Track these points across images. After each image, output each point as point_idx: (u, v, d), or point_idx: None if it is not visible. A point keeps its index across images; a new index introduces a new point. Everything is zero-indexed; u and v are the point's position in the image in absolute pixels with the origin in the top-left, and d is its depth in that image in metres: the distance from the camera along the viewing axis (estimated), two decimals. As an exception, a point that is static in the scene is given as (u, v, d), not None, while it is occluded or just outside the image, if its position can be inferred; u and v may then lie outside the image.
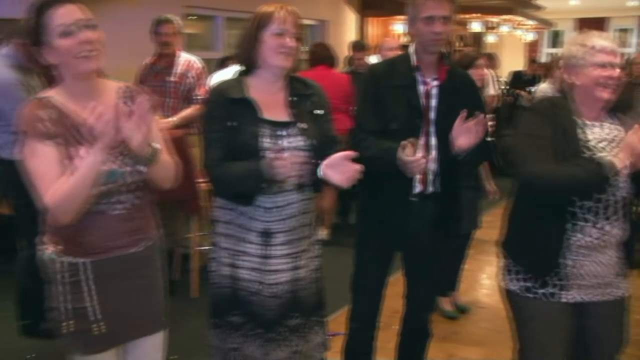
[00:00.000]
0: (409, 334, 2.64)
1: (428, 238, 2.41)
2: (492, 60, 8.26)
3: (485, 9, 9.64)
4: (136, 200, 1.81)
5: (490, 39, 11.93)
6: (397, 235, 2.41)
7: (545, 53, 13.76)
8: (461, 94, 2.38)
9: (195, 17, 6.76)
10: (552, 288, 2.04)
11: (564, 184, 1.90)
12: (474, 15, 9.68)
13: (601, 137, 1.99)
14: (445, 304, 3.75)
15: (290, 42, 1.99)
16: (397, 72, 2.36)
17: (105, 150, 1.62)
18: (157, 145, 1.77)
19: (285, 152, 1.97)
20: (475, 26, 10.34)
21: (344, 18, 9.03)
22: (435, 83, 2.35)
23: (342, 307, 3.20)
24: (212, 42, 6.98)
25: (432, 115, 2.34)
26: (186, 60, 4.06)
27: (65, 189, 1.62)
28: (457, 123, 2.17)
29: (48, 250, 1.79)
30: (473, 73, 3.39)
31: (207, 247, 4.13)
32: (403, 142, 2.12)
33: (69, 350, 1.84)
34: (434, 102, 2.35)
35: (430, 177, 2.36)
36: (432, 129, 2.34)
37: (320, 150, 2.04)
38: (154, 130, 1.82)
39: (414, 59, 2.36)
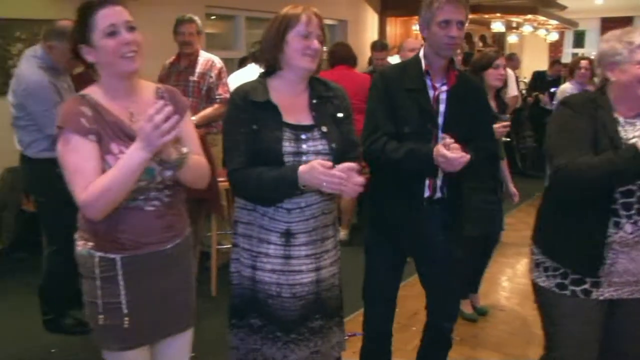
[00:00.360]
0: (430, 342, 2.62)
1: (439, 243, 2.39)
2: (513, 61, 8.21)
3: (507, 8, 9.57)
4: (168, 198, 1.84)
5: (512, 39, 11.85)
6: (408, 240, 2.40)
7: (568, 53, 13.58)
8: (469, 99, 2.37)
9: (216, 17, 6.81)
10: (587, 285, 2.01)
11: (602, 173, 1.84)
12: (496, 15, 9.61)
13: (639, 134, 1.93)
14: (465, 306, 3.73)
15: (315, 44, 1.99)
16: (408, 76, 2.35)
17: (154, 149, 1.63)
18: (185, 150, 1.79)
19: (306, 156, 1.98)
20: (497, 26, 10.26)
21: (364, 18, 9.01)
22: (444, 88, 2.34)
23: (361, 307, 3.20)
24: (233, 42, 7.02)
25: (440, 120, 2.33)
26: (207, 59, 4.09)
27: (104, 184, 1.65)
28: (437, 148, 2.13)
29: (83, 245, 1.82)
30: (491, 73, 3.38)
31: (226, 246, 4.19)
32: (444, 137, 2.12)
33: (102, 345, 1.87)
34: (442, 107, 2.33)
35: (439, 182, 2.35)
36: (439, 134, 2.31)
37: (341, 154, 2.03)
38: (188, 132, 1.84)
39: (423, 63, 2.34)
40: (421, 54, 2.36)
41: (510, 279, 4.44)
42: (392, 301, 2.55)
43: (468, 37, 10.97)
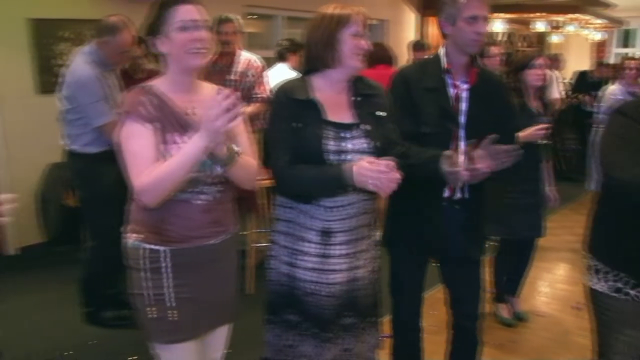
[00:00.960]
0: (458, 343, 2.59)
1: (458, 243, 2.36)
2: (555, 61, 8.02)
3: (551, 7, 9.35)
4: (218, 194, 1.88)
5: (555, 39, 11.59)
6: (428, 239, 2.37)
7: (614, 54, 13.21)
8: (492, 97, 2.32)
9: (255, 16, 6.85)
10: None
11: None
12: (538, 14, 9.41)
13: None
14: (502, 310, 3.67)
15: (365, 44, 2.00)
16: (428, 74, 2.32)
17: (214, 138, 1.67)
18: (236, 148, 1.83)
19: (349, 155, 1.98)
20: (540, 26, 10.05)
21: (404, 17, 8.96)
22: (465, 86, 2.30)
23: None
24: (272, 41, 7.05)
25: (462, 119, 2.29)
26: (246, 58, 4.11)
27: (163, 171, 1.70)
28: (484, 143, 2.10)
29: (131, 238, 1.87)
30: (530, 73, 3.31)
31: (263, 245, 4.20)
32: (446, 153, 2.09)
33: (151, 338, 1.90)
34: (463, 106, 2.29)
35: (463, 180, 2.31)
36: (462, 133, 2.28)
37: (382, 152, 2.02)
38: (241, 133, 1.88)
39: (444, 61, 2.30)
40: (442, 52, 2.33)
41: (550, 284, 4.35)
42: (417, 296, 2.53)
43: (509, 37, 10.81)
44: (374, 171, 1.84)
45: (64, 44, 4.89)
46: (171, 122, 1.79)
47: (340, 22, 1.99)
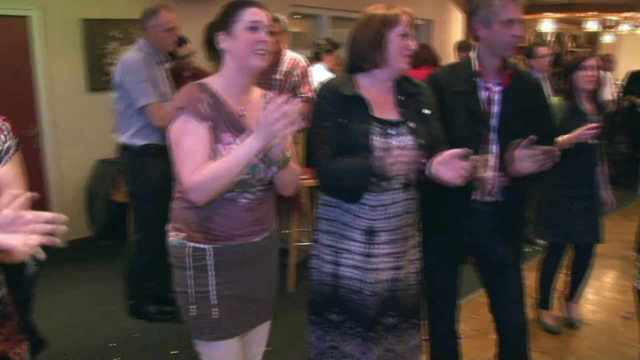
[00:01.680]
0: (504, 347, 2.54)
1: (491, 246, 2.31)
2: (607, 62, 7.79)
3: (604, 6, 9.06)
4: (260, 193, 1.89)
5: (607, 39, 11.26)
6: (458, 243, 2.34)
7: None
8: (526, 99, 2.27)
9: (300, 16, 6.88)
10: None
11: None
12: (590, 13, 9.15)
13: None
14: (547, 317, 3.58)
15: (412, 44, 2.00)
16: (458, 77, 2.29)
17: (268, 141, 1.68)
18: (288, 153, 1.85)
19: (395, 150, 1.97)
20: (591, 25, 9.77)
21: (450, 17, 8.86)
22: (497, 88, 2.26)
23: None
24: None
25: (494, 122, 2.24)
26: (291, 58, 4.12)
27: (215, 170, 1.71)
28: (524, 144, 2.06)
29: (176, 236, 1.89)
30: (581, 75, 3.21)
31: (305, 244, 4.22)
32: (472, 158, 2.04)
33: (195, 334, 1.93)
34: (496, 109, 2.25)
35: (489, 185, 2.26)
36: (493, 136, 2.24)
37: (427, 149, 2.02)
38: (287, 139, 1.88)
39: (476, 64, 2.27)
40: (473, 54, 2.29)
41: (597, 292, 4.22)
42: (451, 301, 2.50)
43: (558, 37, 10.56)
44: (401, 155, 1.87)
45: (114, 43, 5.02)
46: (225, 122, 1.80)
47: (387, 22, 1.98)
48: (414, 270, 2.19)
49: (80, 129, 4.92)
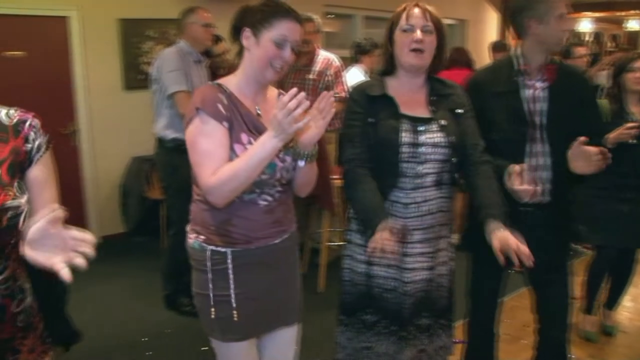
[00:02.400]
0: (543, 351, 2.50)
1: (540, 249, 2.26)
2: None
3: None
4: (278, 194, 1.87)
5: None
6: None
7: None
8: (574, 94, 2.22)
9: (333, 16, 6.87)
10: None
11: None
12: (632, 12, 8.92)
13: None
14: (588, 324, 3.48)
15: (416, 36, 1.96)
16: (499, 78, 2.25)
17: (285, 137, 1.65)
18: (316, 147, 1.82)
19: (423, 147, 1.97)
20: (632, 24, 9.53)
21: (485, 17, 8.75)
22: (543, 85, 2.21)
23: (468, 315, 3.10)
24: (350, 41, 7.04)
25: (543, 119, 2.20)
26: (325, 58, 4.12)
27: (233, 171, 1.68)
28: (575, 145, 2.03)
29: (195, 238, 1.88)
30: (630, 77, 3.12)
31: (336, 244, 4.21)
32: (510, 168, 2.01)
33: (211, 334, 1.93)
34: (543, 106, 2.20)
35: (540, 186, 2.21)
36: (542, 135, 2.20)
37: (459, 148, 2.00)
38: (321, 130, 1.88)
39: (520, 62, 2.23)
40: (518, 52, 2.25)
41: (634, 299, 4.12)
42: (494, 301, 2.47)
43: (597, 37, 10.33)
44: (387, 244, 1.83)
45: (149, 43, 5.09)
46: (242, 123, 1.77)
47: (392, 22, 2.00)
48: (446, 271, 2.16)
49: (116, 126, 5.00)
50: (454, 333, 2.28)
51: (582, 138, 2.02)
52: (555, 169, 2.21)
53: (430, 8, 2.00)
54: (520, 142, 2.19)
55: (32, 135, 1.39)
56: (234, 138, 1.74)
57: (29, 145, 1.38)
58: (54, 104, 4.70)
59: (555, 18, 2.14)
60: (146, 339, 3.36)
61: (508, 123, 2.20)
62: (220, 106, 1.74)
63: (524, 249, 1.84)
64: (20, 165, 1.35)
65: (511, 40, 7.77)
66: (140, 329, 3.48)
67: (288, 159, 1.81)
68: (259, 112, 1.82)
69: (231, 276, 1.83)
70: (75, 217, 4.67)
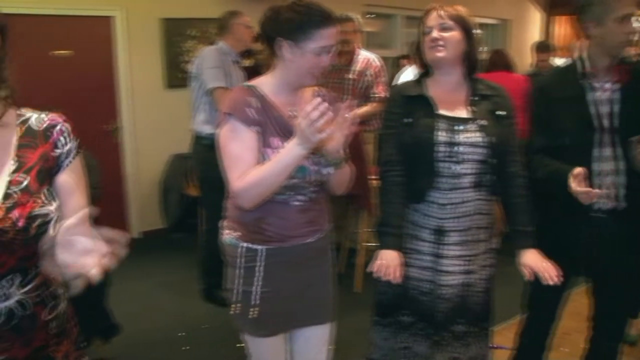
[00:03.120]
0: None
1: (615, 257, 2.19)
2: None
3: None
4: (313, 194, 1.86)
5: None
6: (576, 254, 2.21)
7: None
8: None
9: (374, 16, 6.85)
10: None
11: None
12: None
13: None
14: (632, 326, 3.35)
15: (433, 35, 1.97)
16: (564, 82, 2.19)
17: (310, 146, 1.64)
18: (344, 153, 1.82)
19: (460, 147, 1.95)
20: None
21: (528, 17, 8.58)
22: (613, 87, 2.13)
23: (508, 319, 3.04)
24: (390, 40, 7.02)
25: (614, 122, 2.11)
26: (365, 58, 4.10)
27: (259, 176, 1.69)
28: None
29: (230, 235, 1.89)
30: None
31: (374, 244, 4.17)
32: (574, 171, 1.95)
33: (240, 328, 1.95)
34: (615, 108, 2.12)
35: (614, 190, 2.13)
36: (612, 138, 2.11)
37: (499, 149, 1.97)
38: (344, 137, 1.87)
39: (586, 65, 2.14)
40: (584, 55, 2.16)
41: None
42: (553, 312, 2.40)
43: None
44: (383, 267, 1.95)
45: (191, 42, 5.16)
46: (274, 126, 1.77)
47: (420, 24, 2.03)
48: (485, 276, 2.12)
49: (157, 124, 5.08)
50: (491, 340, 2.23)
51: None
52: (629, 173, 2.11)
53: (449, 8, 1.99)
54: (588, 146, 2.11)
55: (61, 140, 1.35)
56: (265, 142, 1.75)
57: (58, 151, 1.34)
58: (98, 101, 4.81)
59: (614, 20, 2.04)
60: (183, 333, 3.40)
61: (575, 128, 2.13)
62: (249, 110, 1.74)
63: (551, 267, 1.94)
64: (49, 172, 1.31)
65: (556, 41, 7.62)
66: (178, 323, 3.52)
67: (320, 162, 1.81)
68: (293, 114, 1.80)
69: (257, 274, 1.84)
70: (116, 212, 4.83)
